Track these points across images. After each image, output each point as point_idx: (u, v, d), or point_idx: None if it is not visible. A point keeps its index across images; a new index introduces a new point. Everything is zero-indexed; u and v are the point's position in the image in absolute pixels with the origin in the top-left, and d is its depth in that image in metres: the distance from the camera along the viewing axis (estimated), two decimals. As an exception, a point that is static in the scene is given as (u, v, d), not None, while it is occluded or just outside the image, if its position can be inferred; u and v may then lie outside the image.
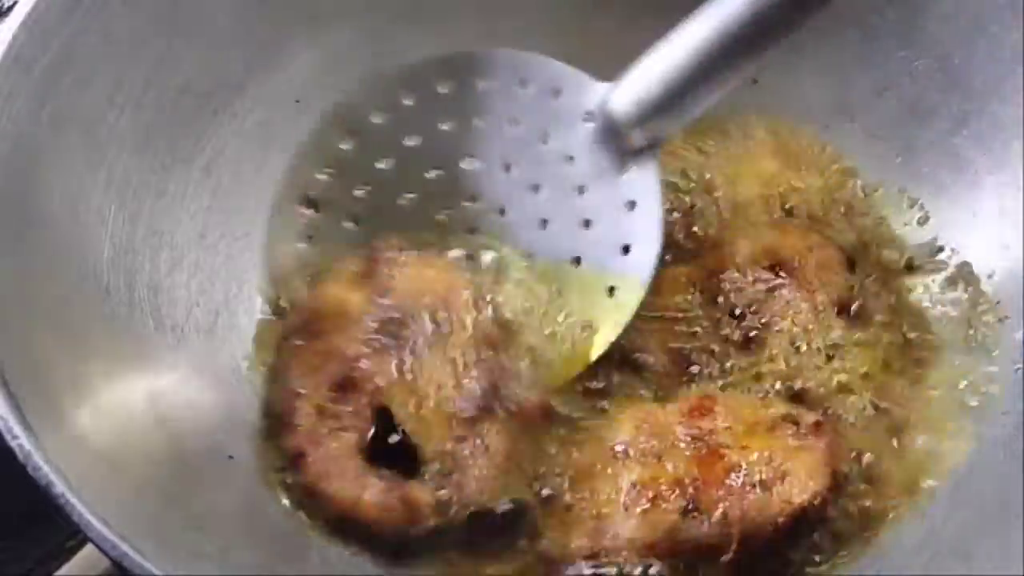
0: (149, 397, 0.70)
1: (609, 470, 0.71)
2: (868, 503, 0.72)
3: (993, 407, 0.76)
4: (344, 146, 0.80)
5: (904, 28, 0.87)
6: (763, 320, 0.79)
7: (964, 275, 0.83)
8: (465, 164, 0.80)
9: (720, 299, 0.80)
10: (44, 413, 0.58)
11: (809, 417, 0.72)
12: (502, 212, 0.80)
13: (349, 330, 0.74)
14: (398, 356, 0.73)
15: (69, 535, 0.75)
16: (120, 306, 0.72)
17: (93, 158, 0.73)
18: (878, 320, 0.81)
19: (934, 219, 0.86)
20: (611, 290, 0.78)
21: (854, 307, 0.80)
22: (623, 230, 0.78)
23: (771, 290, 0.80)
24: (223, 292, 0.80)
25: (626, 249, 0.78)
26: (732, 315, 0.80)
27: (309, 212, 0.80)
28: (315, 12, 0.85)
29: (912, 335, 0.81)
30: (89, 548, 0.71)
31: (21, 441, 0.56)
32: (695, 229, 0.86)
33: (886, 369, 0.79)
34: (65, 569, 0.76)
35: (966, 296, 0.82)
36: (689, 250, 0.84)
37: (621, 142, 0.78)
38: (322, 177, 0.80)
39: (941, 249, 0.85)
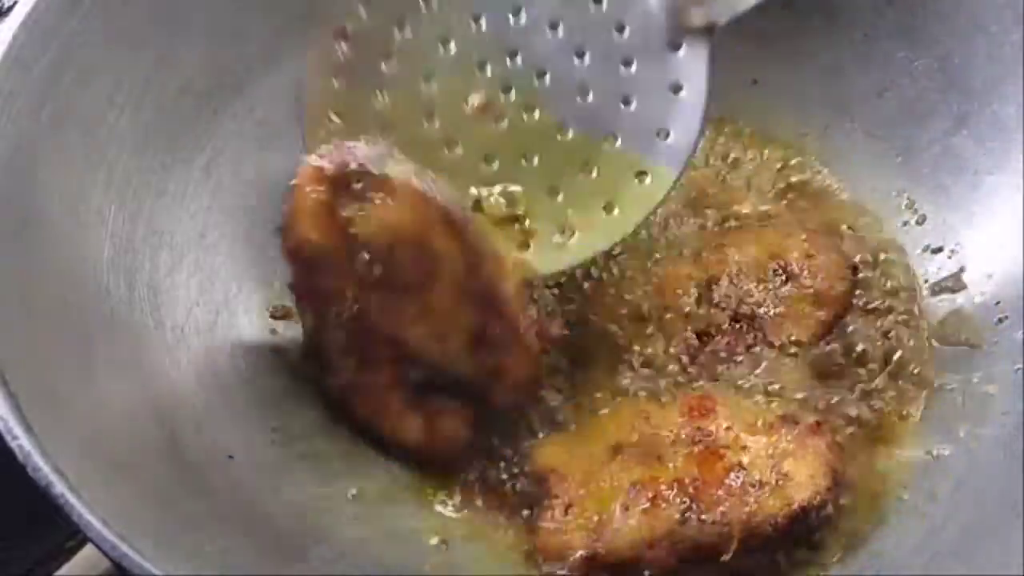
0: (149, 397, 0.70)
1: (609, 470, 0.71)
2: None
3: (993, 407, 0.76)
4: None
5: (904, 28, 0.87)
6: (764, 323, 0.79)
7: (963, 275, 0.83)
8: (512, 14, 0.75)
9: (721, 301, 0.80)
10: (44, 413, 0.58)
11: (809, 418, 0.72)
12: (541, 74, 0.76)
13: (337, 271, 0.70)
14: (392, 295, 0.71)
15: (69, 535, 0.75)
16: (120, 305, 0.72)
17: (93, 158, 0.73)
18: (879, 322, 0.81)
19: (933, 219, 0.86)
20: (640, 175, 0.75)
21: (856, 310, 0.81)
22: (663, 113, 0.75)
23: (773, 293, 0.80)
24: (223, 292, 0.80)
25: (663, 134, 0.75)
26: (734, 318, 0.80)
27: (344, 47, 0.75)
28: (314, 12, 0.85)
29: (912, 336, 0.81)
30: (89, 548, 0.71)
31: (21, 441, 0.56)
32: (696, 228, 0.86)
33: (887, 370, 0.79)
34: (65, 569, 0.76)
35: (965, 296, 0.82)
36: (692, 249, 0.85)
37: (677, 17, 0.74)
38: (359, 10, 0.75)
39: (940, 249, 0.85)
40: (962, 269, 0.84)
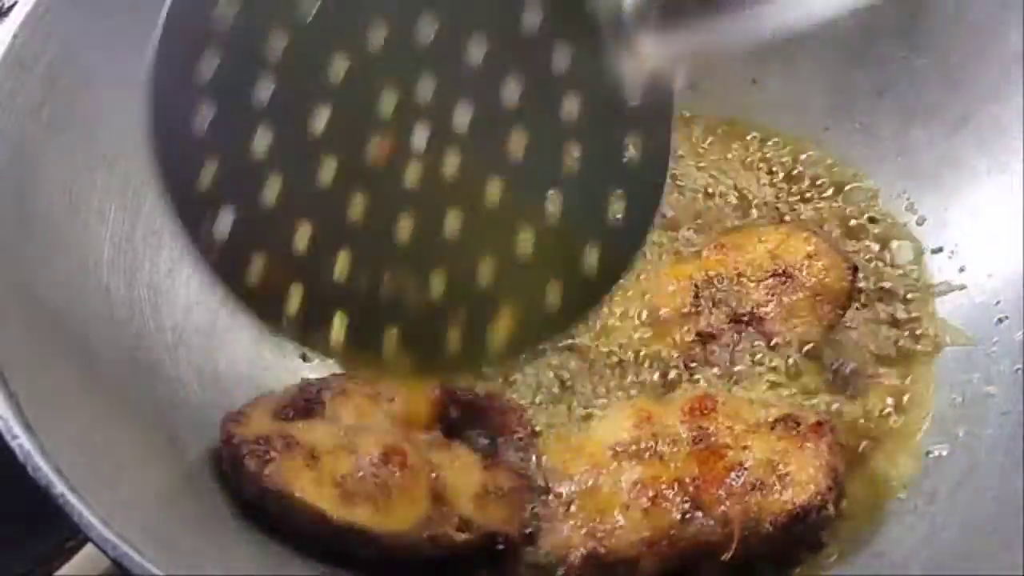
0: (149, 397, 0.70)
1: (610, 469, 0.70)
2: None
3: (993, 407, 0.76)
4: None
5: (904, 28, 0.87)
6: (764, 323, 0.79)
7: (963, 275, 0.83)
8: (422, 27, 0.54)
9: (721, 301, 0.80)
10: (44, 413, 0.58)
11: (810, 417, 0.72)
12: (457, 110, 0.54)
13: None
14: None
15: (69, 535, 0.75)
16: (120, 306, 0.72)
17: (93, 157, 0.73)
18: (879, 323, 0.81)
19: (933, 219, 0.86)
20: (585, 255, 0.57)
21: (856, 311, 0.81)
22: (615, 177, 0.57)
23: (773, 294, 0.80)
24: (223, 292, 0.79)
25: (614, 203, 0.57)
26: (734, 318, 0.80)
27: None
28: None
29: (912, 336, 0.81)
30: (89, 548, 0.71)
31: (21, 441, 0.56)
32: (696, 229, 0.86)
33: (887, 371, 0.79)
34: (65, 569, 0.76)
35: (965, 296, 0.82)
36: (692, 249, 0.85)
37: (629, 50, 0.55)
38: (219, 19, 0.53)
39: (940, 249, 0.85)
40: (962, 269, 0.84)
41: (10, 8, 0.70)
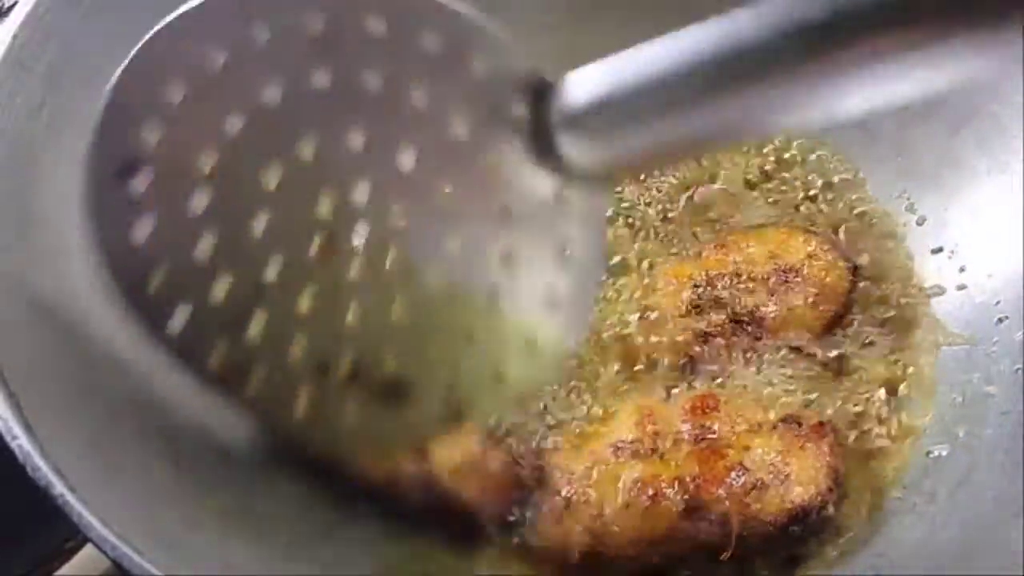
0: (149, 396, 0.70)
1: (611, 466, 0.71)
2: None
3: (993, 407, 0.76)
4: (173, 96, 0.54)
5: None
6: (764, 323, 0.79)
7: (963, 275, 0.83)
8: (350, 134, 0.55)
9: (722, 300, 0.80)
10: (44, 413, 0.58)
11: (812, 418, 0.72)
12: (384, 211, 0.56)
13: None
14: None
15: (69, 535, 0.75)
16: (120, 305, 0.72)
17: (93, 158, 0.73)
18: (879, 323, 0.81)
19: (933, 219, 0.86)
20: (528, 344, 0.59)
21: (856, 311, 0.81)
22: (550, 277, 0.58)
23: (773, 294, 0.80)
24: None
25: (552, 300, 0.58)
26: (734, 318, 0.80)
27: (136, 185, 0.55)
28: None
29: (912, 336, 0.81)
30: (89, 548, 0.71)
31: (21, 442, 0.56)
32: (698, 229, 0.86)
33: (887, 370, 0.79)
34: (65, 569, 0.76)
35: (965, 296, 0.82)
36: (692, 250, 0.85)
37: (557, 153, 0.55)
38: (148, 136, 0.54)
39: (940, 249, 0.85)
40: (962, 269, 0.83)
41: (10, 8, 0.70)
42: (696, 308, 0.80)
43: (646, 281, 0.83)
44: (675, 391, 0.77)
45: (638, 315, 0.81)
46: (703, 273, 0.82)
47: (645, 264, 0.84)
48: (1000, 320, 0.80)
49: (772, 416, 0.72)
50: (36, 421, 0.57)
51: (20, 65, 0.69)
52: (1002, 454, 0.73)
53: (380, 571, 0.70)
